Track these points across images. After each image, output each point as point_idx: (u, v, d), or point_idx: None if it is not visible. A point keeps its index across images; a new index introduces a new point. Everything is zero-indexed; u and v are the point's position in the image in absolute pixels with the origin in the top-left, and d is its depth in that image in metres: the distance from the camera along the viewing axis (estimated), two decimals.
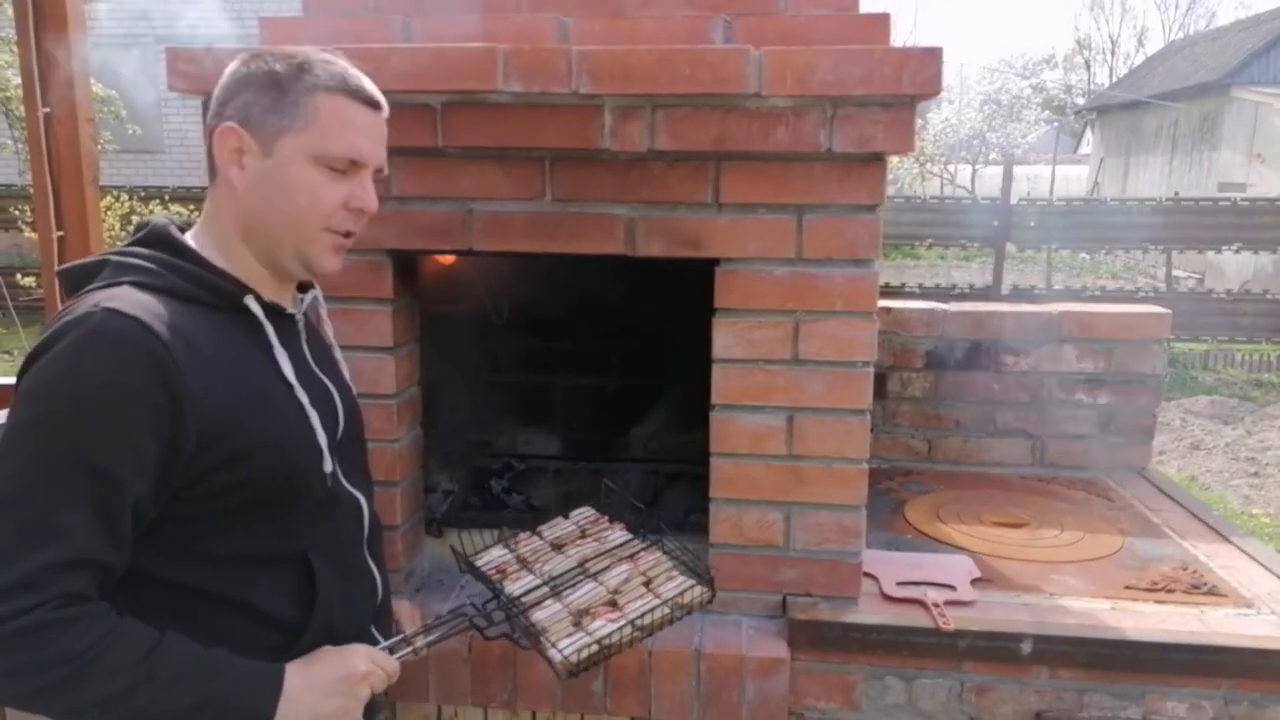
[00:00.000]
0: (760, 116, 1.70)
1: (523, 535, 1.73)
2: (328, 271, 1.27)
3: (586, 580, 1.59)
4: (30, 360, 1.09)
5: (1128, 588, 2.00)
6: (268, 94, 1.18)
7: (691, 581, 1.60)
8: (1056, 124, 25.20)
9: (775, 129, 1.70)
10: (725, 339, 1.83)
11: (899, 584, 1.95)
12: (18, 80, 4.15)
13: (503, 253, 1.87)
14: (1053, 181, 19.86)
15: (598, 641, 1.46)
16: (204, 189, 1.28)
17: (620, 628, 1.49)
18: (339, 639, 1.26)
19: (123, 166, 12.38)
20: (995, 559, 2.13)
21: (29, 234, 7.36)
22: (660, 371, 2.60)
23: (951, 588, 1.94)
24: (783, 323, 1.80)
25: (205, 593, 1.17)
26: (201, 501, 1.13)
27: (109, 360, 1.05)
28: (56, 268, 1.42)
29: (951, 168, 22.88)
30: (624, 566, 1.62)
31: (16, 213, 8.01)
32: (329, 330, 1.42)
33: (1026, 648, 1.79)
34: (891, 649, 1.82)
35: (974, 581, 1.99)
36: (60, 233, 2.66)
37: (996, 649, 1.80)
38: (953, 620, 1.81)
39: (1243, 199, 9.41)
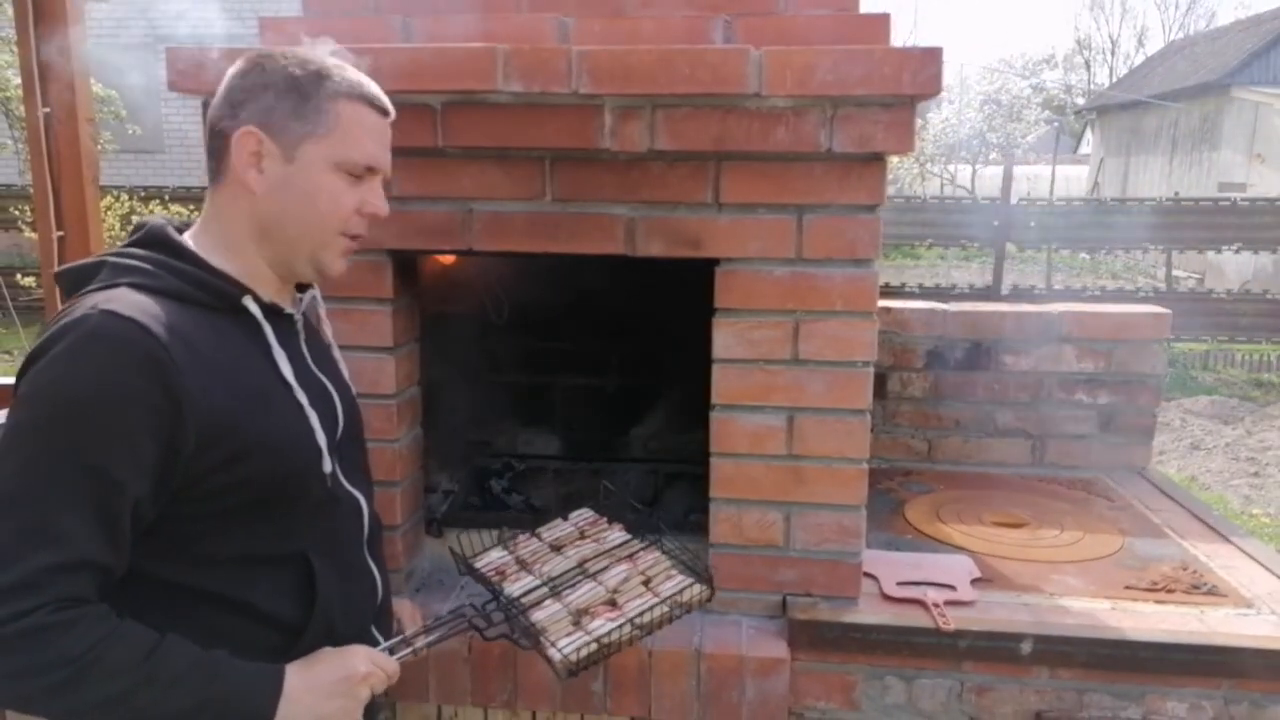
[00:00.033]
0: (760, 116, 1.70)
1: (521, 537, 1.73)
2: (336, 274, 1.30)
3: (585, 580, 1.59)
4: (29, 362, 1.09)
5: (1128, 588, 2.00)
6: (289, 99, 1.19)
7: (690, 580, 1.60)
8: (1056, 124, 25.20)
9: (775, 129, 1.70)
10: (725, 339, 1.83)
11: (899, 584, 1.95)
12: (18, 80, 4.15)
13: (503, 253, 1.87)
14: (1053, 181, 19.87)
15: (597, 640, 1.47)
16: (204, 189, 1.28)
17: (619, 626, 1.49)
18: (339, 639, 1.26)
19: (123, 166, 12.39)
20: (995, 559, 2.13)
21: (29, 234, 7.37)
22: (660, 371, 2.60)
23: (951, 588, 1.94)
24: (783, 323, 1.80)
25: (205, 593, 1.17)
26: (201, 502, 1.13)
27: (107, 362, 1.05)
28: (54, 269, 1.42)
29: (951, 168, 22.89)
30: (623, 566, 1.63)
31: (16, 213, 8.02)
32: (328, 330, 1.42)
33: (1026, 648, 1.79)
34: (891, 649, 1.82)
35: (974, 581, 1.99)
36: (60, 233, 2.67)
37: (996, 649, 1.80)
38: (953, 620, 1.81)
39: (1243, 199, 9.42)
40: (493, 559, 1.68)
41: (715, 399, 1.85)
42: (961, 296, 8.38)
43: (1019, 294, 8.64)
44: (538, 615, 1.51)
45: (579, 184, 1.80)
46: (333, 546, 1.28)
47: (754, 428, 1.84)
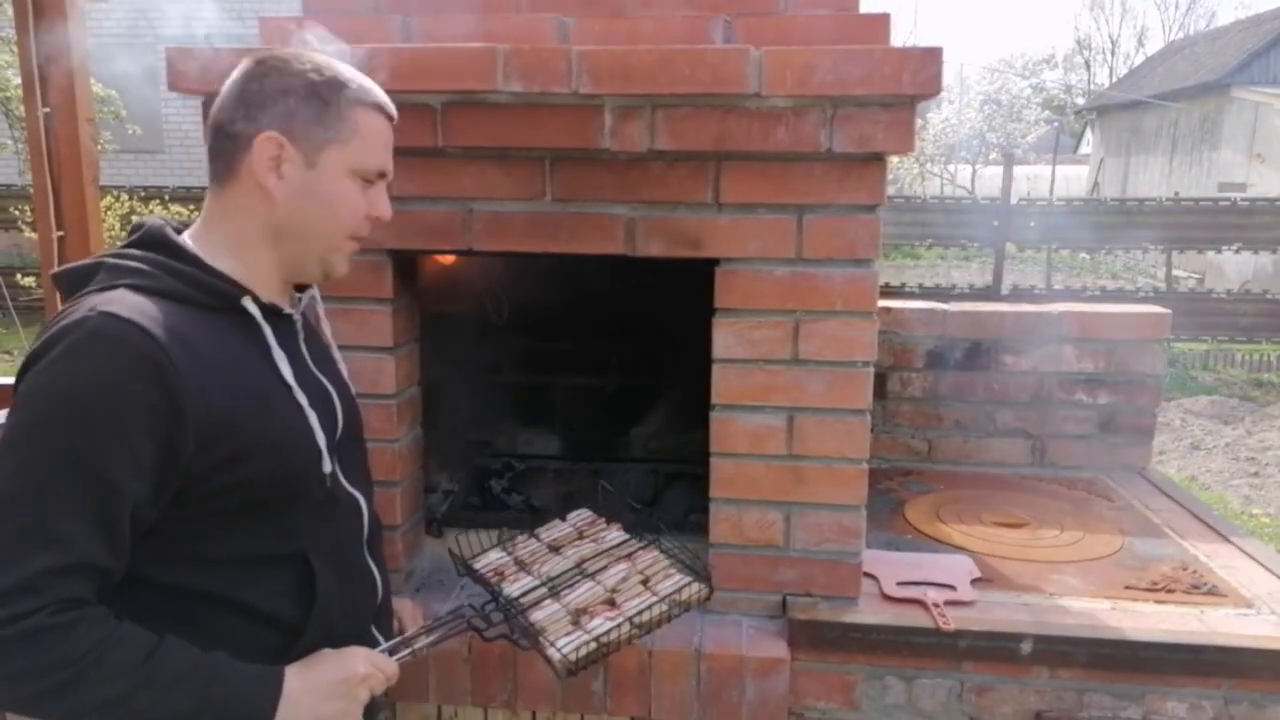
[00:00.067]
0: (760, 116, 1.70)
1: (520, 538, 1.74)
2: (341, 275, 1.32)
3: (584, 580, 1.59)
4: (27, 365, 1.09)
5: (1128, 588, 2.00)
6: (311, 105, 1.20)
7: (689, 579, 1.60)
8: (1056, 124, 25.21)
9: (775, 129, 1.70)
10: (725, 339, 1.83)
11: (899, 584, 1.95)
12: (18, 80, 4.15)
13: (503, 253, 1.87)
14: (1053, 181, 19.87)
15: (596, 640, 1.47)
16: (204, 189, 1.28)
17: (618, 625, 1.49)
18: (339, 639, 1.26)
19: (123, 166, 12.39)
20: (995, 559, 2.13)
21: (29, 234, 7.37)
22: (660, 371, 2.60)
23: (951, 588, 1.94)
24: (783, 323, 1.80)
25: (205, 594, 1.17)
26: (201, 503, 1.13)
27: (106, 364, 1.05)
28: (51, 271, 1.42)
29: (951, 168, 22.89)
30: (621, 566, 1.63)
31: (16, 213, 8.02)
32: (326, 329, 1.42)
33: (1026, 648, 1.79)
34: (891, 649, 1.82)
35: (974, 581, 1.99)
36: (60, 233, 2.67)
37: (996, 649, 1.80)
38: (953, 620, 1.81)
39: (1243, 199, 9.41)
40: (491, 560, 1.68)
41: (715, 399, 1.85)
42: (961, 296, 8.38)
43: (1019, 294, 8.63)
44: (536, 615, 1.51)
45: (579, 184, 1.80)
46: (332, 547, 1.28)
47: (754, 428, 1.84)
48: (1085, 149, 26.67)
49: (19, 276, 7.87)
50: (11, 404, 1.09)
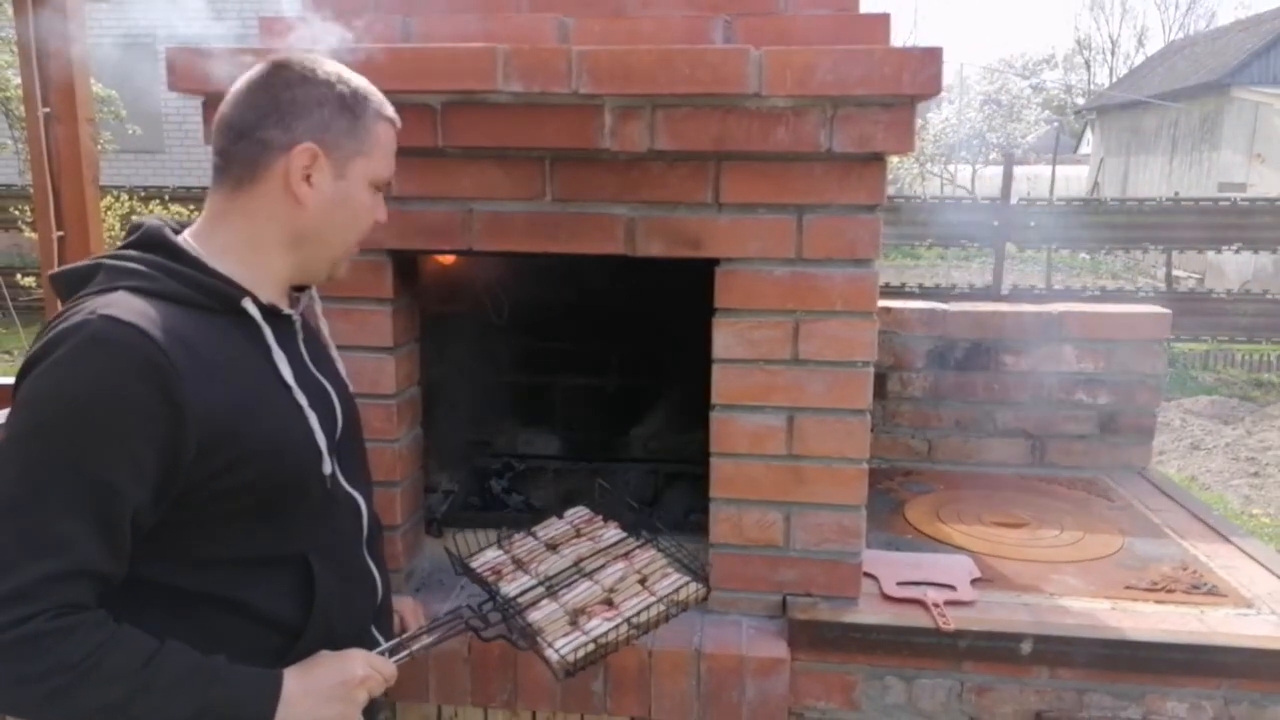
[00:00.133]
0: (760, 116, 1.70)
1: (517, 536, 1.74)
2: (342, 278, 1.36)
3: (582, 579, 1.60)
4: (27, 368, 1.08)
5: (1128, 588, 1.99)
6: (344, 118, 1.23)
7: (686, 578, 1.60)
8: (1056, 124, 25.21)
9: (775, 129, 1.70)
10: (725, 339, 1.82)
11: (899, 584, 1.95)
12: (18, 80, 4.15)
13: (503, 253, 1.87)
14: (1053, 181, 19.86)
15: (594, 640, 1.47)
16: (203, 189, 1.28)
17: (616, 626, 1.49)
18: (338, 639, 1.26)
19: (123, 166, 12.38)
20: (995, 559, 2.13)
21: (29, 234, 7.37)
22: (660, 371, 2.60)
23: (951, 588, 1.94)
24: (783, 323, 1.80)
25: (204, 595, 1.17)
26: (201, 506, 1.13)
27: (107, 368, 1.05)
28: (48, 272, 1.42)
29: (951, 168, 22.90)
30: (619, 565, 1.63)
31: (16, 213, 8.03)
32: (325, 329, 1.42)
33: (1026, 648, 1.79)
34: (891, 649, 1.82)
35: (974, 581, 1.99)
36: (60, 233, 2.67)
37: (996, 649, 1.80)
38: (953, 620, 1.81)
39: (1243, 199, 9.41)
40: (489, 558, 1.68)
41: (715, 399, 1.85)
42: (961, 296, 8.38)
43: (1019, 294, 8.63)
44: (534, 615, 1.51)
45: (579, 184, 1.80)
46: (332, 547, 1.28)
47: (754, 428, 1.84)
48: (1085, 149, 26.67)
49: (19, 276, 7.88)
50: (11, 407, 1.08)
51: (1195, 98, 16.20)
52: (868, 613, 1.86)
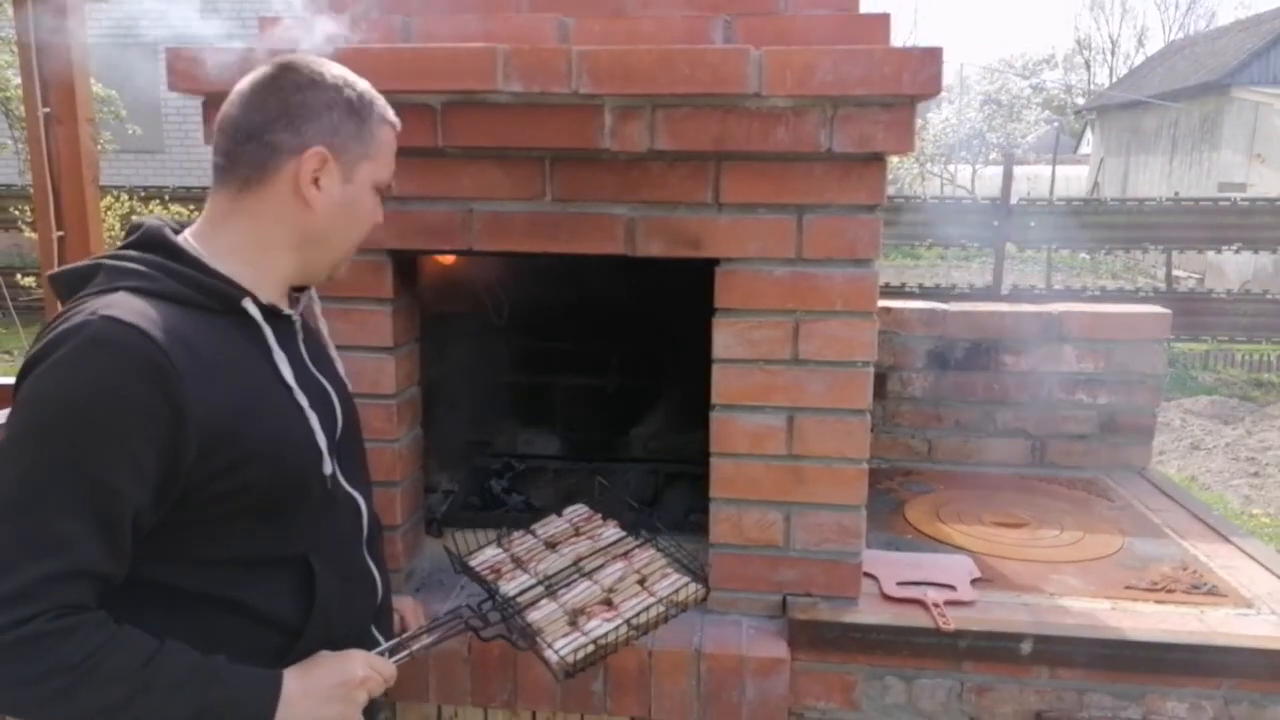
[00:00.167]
0: (760, 116, 1.70)
1: (516, 534, 1.74)
2: (341, 278, 1.37)
3: (581, 579, 1.60)
4: (27, 368, 1.08)
5: (1128, 588, 1.99)
6: (352, 122, 1.24)
7: (686, 579, 1.60)
8: (1056, 124, 25.21)
9: (775, 129, 1.70)
10: (725, 339, 1.82)
11: (899, 584, 1.95)
12: (18, 80, 4.15)
13: (503, 253, 1.87)
14: (1053, 181, 19.86)
15: (594, 642, 1.47)
16: (204, 189, 1.28)
17: (616, 627, 1.49)
18: (338, 639, 1.26)
19: (123, 166, 12.39)
20: (995, 559, 2.13)
21: (29, 234, 7.37)
22: (660, 371, 2.60)
23: (951, 588, 1.94)
24: (783, 323, 1.80)
25: (204, 595, 1.17)
26: (201, 507, 1.13)
27: (108, 369, 1.04)
28: (47, 272, 1.42)
29: (951, 168, 22.90)
30: (618, 565, 1.63)
31: (16, 213, 8.03)
32: (324, 329, 1.42)
33: (1026, 648, 1.79)
34: (891, 649, 1.82)
35: (974, 581, 1.99)
36: (60, 233, 2.67)
37: (996, 649, 1.80)
38: (953, 620, 1.81)
39: (1243, 199, 9.40)
40: (488, 556, 1.68)
41: (715, 399, 1.85)
42: (961, 296, 8.38)
43: (1019, 294, 8.63)
44: (534, 615, 1.51)
45: (579, 184, 1.80)
46: (332, 547, 1.28)
47: (754, 428, 1.84)
48: (1085, 149, 26.67)
49: (19, 276, 7.87)
50: (11, 407, 1.08)
51: (1195, 98, 16.20)
52: (868, 613, 1.86)
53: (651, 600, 1.55)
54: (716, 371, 1.84)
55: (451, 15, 1.91)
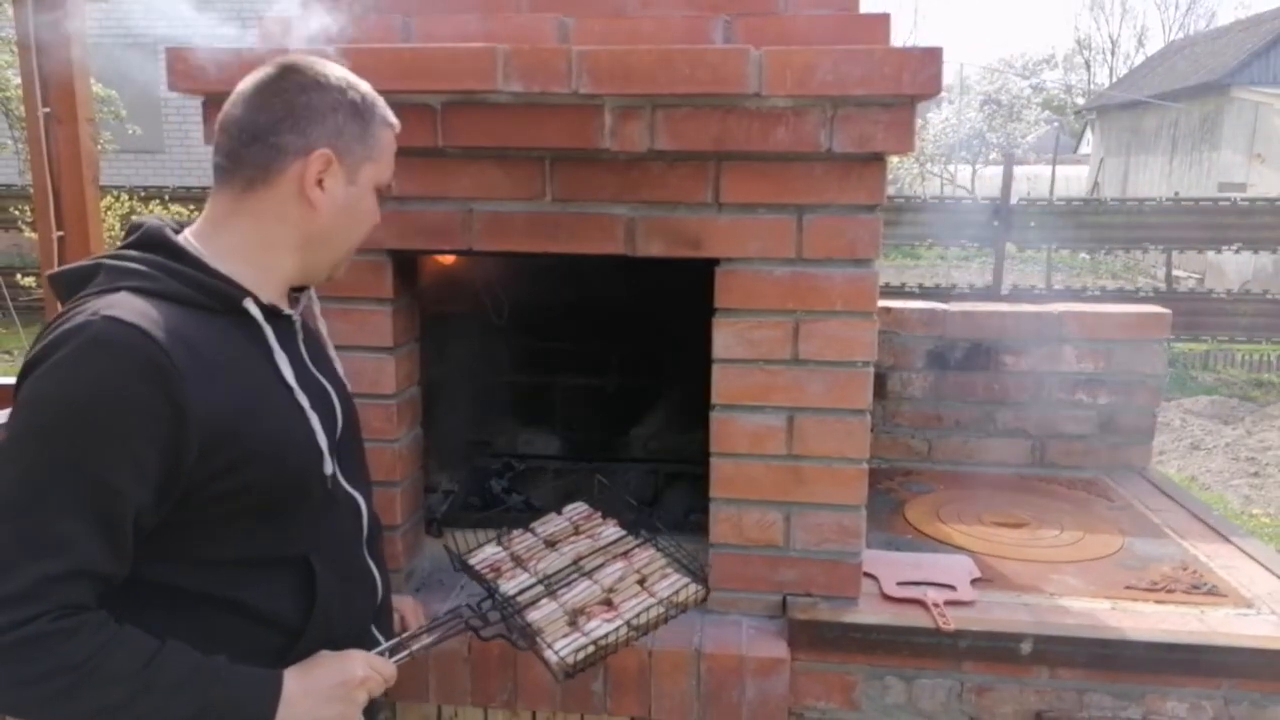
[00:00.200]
0: (760, 116, 1.70)
1: (516, 532, 1.73)
2: (340, 278, 1.38)
3: (581, 579, 1.59)
4: (28, 368, 1.08)
5: (1128, 588, 1.99)
6: (355, 124, 1.25)
7: (686, 580, 1.60)
8: (1056, 124, 25.22)
9: (775, 129, 1.70)
10: (725, 339, 1.82)
11: (899, 584, 1.95)
12: (18, 80, 4.15)
13: (503, 253, 1.87)
14: (1053, 181, 19.86)
15: (594, 642, 1.47)
16: (204, 189, 1.28)
17: (616, 628, 1.49)
18: (338, 639, 1.26)
19: (123, 166, 12.39)
20: (995, 559, 2.13)
21: (29, 234, 7.37)
22: (660, 371, 2.60)
23: (951, 588, 1.94)
24: (783, 323, 1.80)
25: (205, 595, 1.17)
26: (202, 507, 1.13)
27: (110, 369, 1.04)
28: (47, 272, 1.42)
29: (951, 168, 22.91)
30: (618, 564, 1.62)
31: (16, 213, 8.03)
32: (323, 329, 1.42)
33: (1026, 648, 1.79)
34: (891, 649, 1.82)
35: (974, 581, 1.99)
36: (60, 233, 2.67)
37: (996, 649, 1.80)
38: (953, 620, 1.81)
39: (1243, 199, 9.41)
40: (487, 555, 1.68)
41: (715, 399, 1.85)
42: (961, 296, 8.38)
43: (1019, 294, 8.63)
44: (534, 615, 1.51)
45: (579, 184, 1.80)
46: (332, 547, 1.28)
47: (754, 428, 1.84)
48: (1085, 149, 26.67)
49: (19, 276, 7.88)
50: (12, 408, 1.08)
51: (1195, 98, 16.20)
52: (868, 613, 1.86)
53: (651, 601, 1.55)
54: (716, 371, 1.84)
55: (451, 15, 1.91)
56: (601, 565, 1.62)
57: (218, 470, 1.11)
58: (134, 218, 1.31)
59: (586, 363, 2.65)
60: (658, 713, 1.82)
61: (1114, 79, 27.58)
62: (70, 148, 2.63)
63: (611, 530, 1.72)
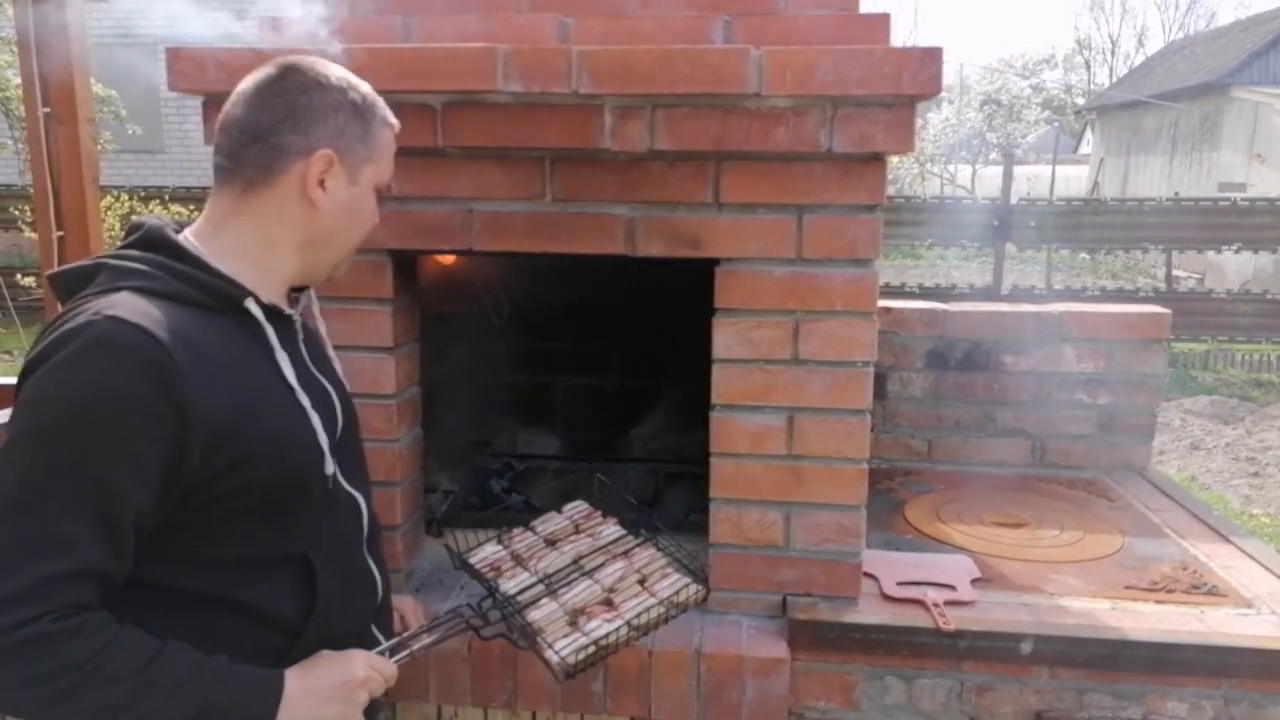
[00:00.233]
0: (760, 116, 1.70)
1: (516, 531, 1.73)
2: (340, 279, 1.38)
3: (581, 578, 1.59)
4: (29, 368, 1.08)
5: (1128, 588, 2.00)
6: (357, 124, 1.25)
7: (686, 580, 1.60)
8: (1056, 124, 25.21)
9: (775, 129, 1.70)
10: (725, 339, 1.83)
11: (899, 584, 1.95)
12: (18, 80, 4.15)
13: (503, 253, 1.87)
14: (1053, 181, 19.87)
15: (594, 642, 1.47)
16: (204, 189, 1.28)
17: (617, 628, 1.49)
18: (339, 639, 1.26)
19: (123, 166, 12.39)
20: (995, 559, 2.13)
21: (29, 234, 7.37)
22: (660, 371, 2.60)
23: (951, 588, 1.94)
24: (783, 323, 1.80)
25: (206, 595, 1.17)
26: (204, 507, 1.13)
27: (113, 370, 1.04)
28: (47, 272, 1.42)
29: (951, 168, 22.91)
30: (619, 564, 1.62)
31: (16, 213, 8.03)
32: (321, 329, 1.42)
33: (1026, 648, 1.79)
34: (891, 649, 1.83)
35: (974, 581, 1.99)
36: (60, 233, 2.67)
37: (996, 649, 1.80)
38: (953, 620, 1.81)
39: (1243, 199, 9.40)
40: (487, 554, 1.68)
41: (715, 399, 1.85)
42: (961, 296, 8.38)
43: (1019, 294, 8.63)
44: (534, 615, 1.51)
45: (579, 184, 1.80)
46: (333, 547, 1.28)
47: (754, 428, 1.84)
48: (1085, 149, 26.66)
49: (19, 276, 7.87)
50: (14, 408, 1.08)
51: (1195, 98, 16.19)
52: (868, 613, 1.86)
53: (652, 601, 1.55)
54: (716, 371, 1.84)
55: (451, 15, 1.91)
56: (602, 565, 1.62)
57: (219, 470, 1.11)
58: (134, 218, 1.30)
59: (586, 363, 2.65)
60: (658, 713, 1.82)
61: (1114, 79, 27.58)
62: (70, 148, 2.63)
63: (612, 529, 1.72)
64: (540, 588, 1.57)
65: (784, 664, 1.79)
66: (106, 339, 1.05)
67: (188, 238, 1.22)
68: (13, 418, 1.07)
